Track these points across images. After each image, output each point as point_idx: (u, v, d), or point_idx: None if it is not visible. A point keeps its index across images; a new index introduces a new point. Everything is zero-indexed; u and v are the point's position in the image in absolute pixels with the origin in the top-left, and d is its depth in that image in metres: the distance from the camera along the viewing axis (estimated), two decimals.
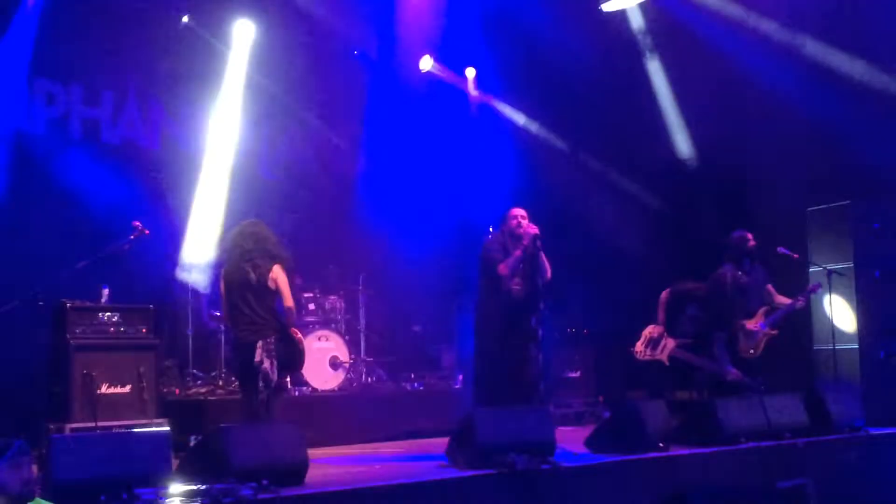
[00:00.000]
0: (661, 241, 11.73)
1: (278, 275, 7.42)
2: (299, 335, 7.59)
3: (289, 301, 7.48)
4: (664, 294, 9.37)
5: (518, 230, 7.82)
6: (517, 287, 7.79)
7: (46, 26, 9.52)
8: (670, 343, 9.14)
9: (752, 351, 8.91)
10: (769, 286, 9.20)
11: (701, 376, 9.34)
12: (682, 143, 12.02)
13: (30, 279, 7.99)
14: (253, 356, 7.25)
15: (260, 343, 7.31)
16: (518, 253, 7.74)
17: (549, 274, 7.86)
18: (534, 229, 7.75)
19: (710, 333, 8.99)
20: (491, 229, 8.63)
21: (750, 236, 9.12)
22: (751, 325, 8.93)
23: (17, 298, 7.56)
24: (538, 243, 7.73)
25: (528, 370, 7.77)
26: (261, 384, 7.29)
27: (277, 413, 7.43)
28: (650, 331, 9.34)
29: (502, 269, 7.73)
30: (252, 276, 7.34)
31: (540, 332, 7.79)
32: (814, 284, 9.40)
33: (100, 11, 9.96)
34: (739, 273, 9.04)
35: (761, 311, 9.03)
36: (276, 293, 7.41)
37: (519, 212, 7.92)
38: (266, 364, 7.28)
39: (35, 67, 9.59)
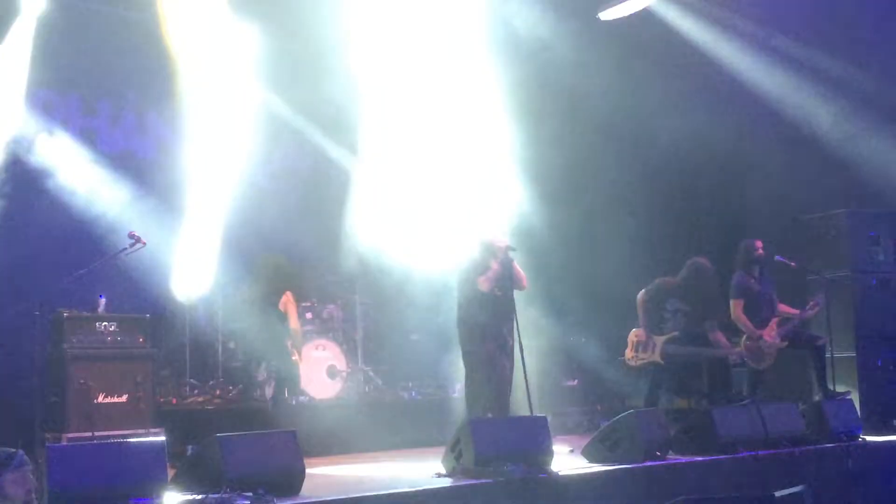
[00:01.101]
0: (660, 249, 11.71)
1: (288, 300, 8.82)
2: (297, 357, 8.68)
3: (294, 323, 8.73)
4: (640, 295, 9.39)
5: (494, 244, 7.89)
6: (493, 298, 7.86)
7: (44, 36, 9.54)
8: (659, 341, 9.16)
9: (766, 362, 8.96)
10: (774, 295, 9.25)
11: (699, 384, 9.35)
12: (678, 152, 12.02)
13: (26, 288, 8.01)
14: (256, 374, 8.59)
15: (262, 364, 8.71)
16: (496, 266, 7.81)
17: (525, 284, 7.96)
18: (504, 241, 7.85)
19: (701, 323, 9.04)
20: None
21: (759, 244, 9.16)
22: (767, 336, 8.96)
23: (13, 308, 7.57)
24: (509, 254, 7.81)
25: (500, 380, 7.83)
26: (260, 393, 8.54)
27: (279, 420, 8.09)
28: (635, 335, 9.35)
29: (483, 283, 7.81)
30: (264, 303, 8.69)
31: (510, 342, 7.86)
32: (819, 297, 9.38)
33: (97, 21, 9.98)
34: (752, 281, 9.09)
35: (774, 321, 9.06)
36: (285, 316, 8.69)
37: (493, 224, 8.00)
38: (265, 382, 8.69)
39: (33, 77, 9.60)
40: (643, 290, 9.43)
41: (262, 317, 9.02)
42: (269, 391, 9.03)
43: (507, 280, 7.90)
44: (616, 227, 11.92)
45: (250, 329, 9.18)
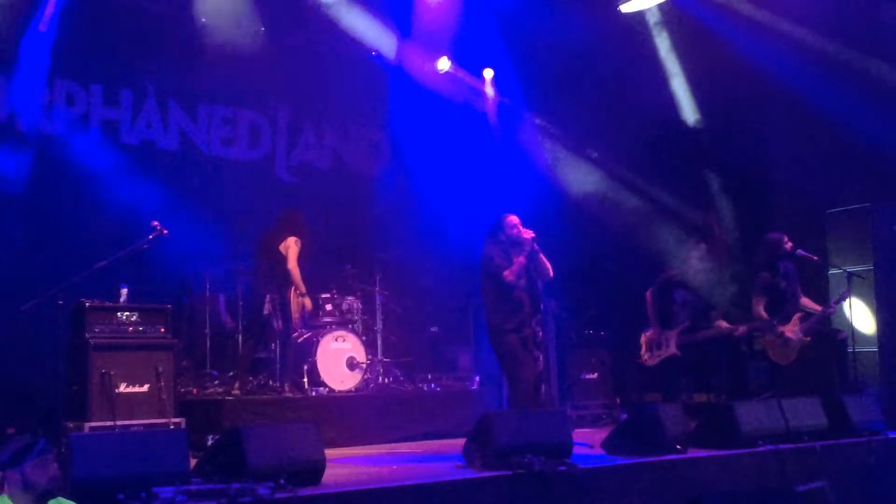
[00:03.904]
0: (681, 243, 11.67)
1: (290, 245, 9.60)
2: (291, 295, 9.57)
3: (290, 264, 9.55)
4: (648, 294, 9.37)
5: (520, 237, 7.92)
6: (520, 291, 7.88)
7: (66, 27, 9.59)
8: (672, 334, 9.14)
9: (789, 357, 8.93)
10: (797, 288, 9.21)
11: (719, 379, 9.33)
12: (701, 143, 11.98)
13: (49, 278, 8.04)
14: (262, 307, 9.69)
15: (267, 297, 9.66)
16: (522, 260, 7.84)
17: (551, 273, 8.00)
18: (530, 233, 7.87)
19: (707, 313, 9.03)
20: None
21: (786, 240, 9.10)
22: (789, 331, 8.91)
23: (36, 298, 7.61)
24: (535, 246, 7.84)
25: (535, 372, 7.86)
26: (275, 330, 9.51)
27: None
28: (647, 336, 9.34)
29: (508, 276, 7.83)
30: (272, 247, 9.70)
31: (540, 333, 7.87)
32: (843, 292, 9.31)
33: (119, 13, 10.02)
34: (778, 277, 9.05)
35: (796, 317, 9.00)
36: (285, 258, 9.58)
37: (515, 219, 8.04)
38: (272, 315, 9.62)
39: (55, 68, 9.66)
40: (649, 290, 9.42)
41: (266, 255, 9.82)
42: (276, 324, 9.68)
43: (532, 272, 7.94)
44: (636, 220, 11.89)
45: (259, 267, 9.93)
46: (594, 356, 11.04)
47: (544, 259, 8.01)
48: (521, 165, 11.90)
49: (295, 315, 9.73)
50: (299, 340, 9.71)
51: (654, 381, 10.03)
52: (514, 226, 8.01)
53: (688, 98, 11.89)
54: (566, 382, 10.57)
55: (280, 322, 9.71)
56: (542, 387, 8.04)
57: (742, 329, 8.90)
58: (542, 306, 8.02)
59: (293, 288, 9.70)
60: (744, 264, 9.80)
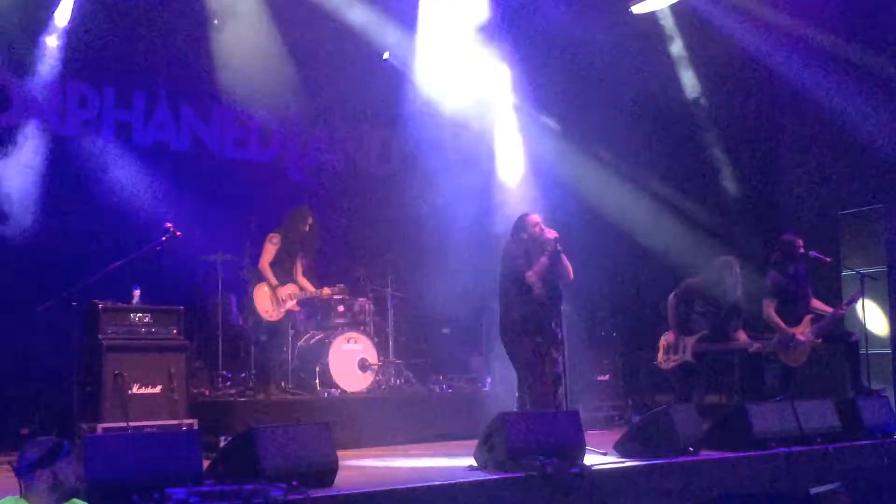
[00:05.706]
0: (693, 245, 11.66)
1: (269, 239, 9.47)
2: (253, 292, 9.45)
3: (262, 264, 9.44)
4: (671, 298, 9.36)
5: (542, 236, 7.85)
6: (540, 291, 7.82)
7: (79, 29, 9.63)
8: (690, 341, 9.14)
9: (799, 359, 8.90)
10: (809, 290, 9.19)
11: (732, 379, 9.31)
12: (714, 145, 11.96)
13: (62, 280, 8.08)
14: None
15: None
16: (545, 259, 7.77)
17: (571, 275, 7.93)
18: (553, 233, 7.80)
19: (727, 323, 9.02)
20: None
21: (800, 242, 9.06)
22: (800, 334, 8.88)
23: (50, 299, 7.64)
24: (558, 246, 7.78)
25: (549, 373, 7.81)
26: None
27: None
28: (666, 339, 9.34)
29: (531, 276, 7.75)
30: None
31: (559, 335, 7.81)
32: (855, 293, 9.27)
33: (130, 15, 10.05)
34: (788, 279, 9.02)
35: (807, 318, 8.96)
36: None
37: (537, 217, 7.97)
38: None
39: (68, 70, 9.70)
40: (673, 294, 9.40)
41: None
42: (241, 321, 9.84)
43: (554, 273, 7.86)
44: (649, 222, 11.88)
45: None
46: (606, 358, 11.02)
47: (566, 260, 7.95)
48: (535, 165, 11.88)
49: (285, 306, 9.57)
50: (311, 342, 9.73)
51: (667, 383, 10.02)
52: (537, 224, 7.93)
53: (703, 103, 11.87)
54: (578, 384, 10.55)
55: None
56: (560, 388, 7.97)
57: (757, 346, 8.88)
58: (561, 308, 7.94)
59: (263, 283, 9.50)
60: (756, 269, 9.74)
